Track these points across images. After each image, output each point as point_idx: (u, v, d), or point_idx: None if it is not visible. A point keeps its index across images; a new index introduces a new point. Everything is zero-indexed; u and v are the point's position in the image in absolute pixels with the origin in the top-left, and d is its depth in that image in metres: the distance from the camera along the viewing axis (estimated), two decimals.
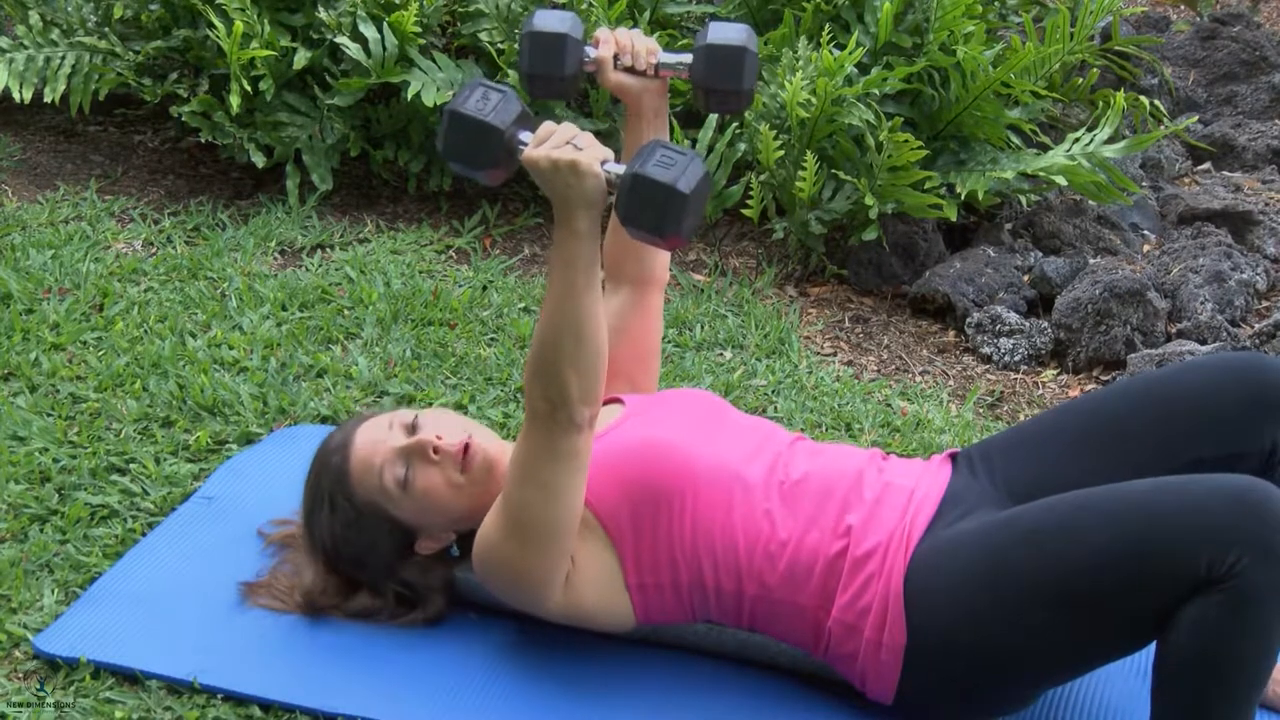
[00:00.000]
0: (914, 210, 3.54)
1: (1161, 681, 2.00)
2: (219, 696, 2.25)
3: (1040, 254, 3.70)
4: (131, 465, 2.78)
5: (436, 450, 2.25)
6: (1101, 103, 3.92)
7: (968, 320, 3.44)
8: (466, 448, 2.26)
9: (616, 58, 2.36)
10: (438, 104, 3.66)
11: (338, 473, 2.30)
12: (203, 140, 3.88)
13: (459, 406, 3.04)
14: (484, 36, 3.79)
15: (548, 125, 2.05)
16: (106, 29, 3.97)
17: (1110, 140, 3.62)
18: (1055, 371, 3.34)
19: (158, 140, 4.24)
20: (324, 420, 2.97)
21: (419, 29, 3.73)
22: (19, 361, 3.08)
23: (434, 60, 3.76)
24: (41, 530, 2.60)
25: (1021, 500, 2.20)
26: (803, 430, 3.01)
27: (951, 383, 3.29)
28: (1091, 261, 3.60)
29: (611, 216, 2.36)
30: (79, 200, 3.87)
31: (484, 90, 2.07)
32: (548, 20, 2.31)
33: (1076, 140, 3.60)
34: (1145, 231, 3.90)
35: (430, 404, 3.03)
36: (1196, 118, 4.37)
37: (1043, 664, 2.10)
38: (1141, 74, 4.44)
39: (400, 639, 2.35)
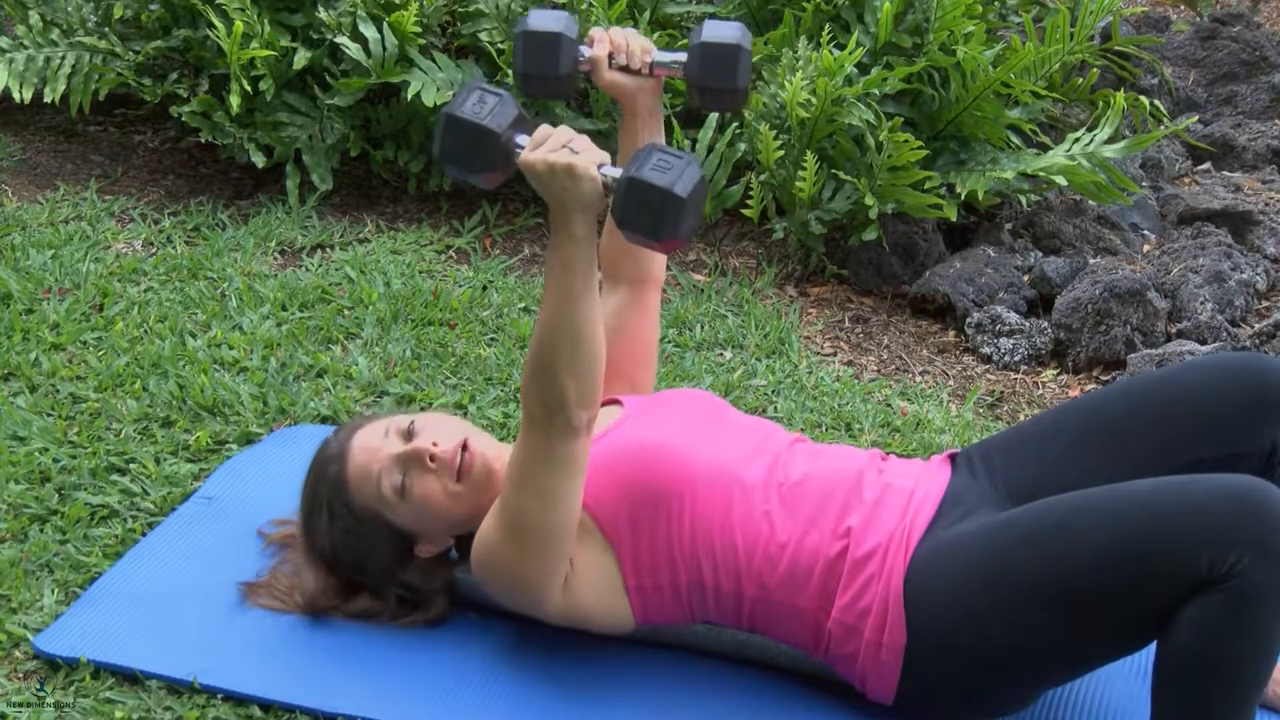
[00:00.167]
0: (914, 210, 3.54)
1: (1162, 682, 2.00)
2: (219, 696, 2.25)
3: (1040, 254, 3.70)
4: (131, 465, 2.78)
5: (433, 458, 2.25)
6: (1101, 103, 3.92)
7: (968, 320, 3.44)
8: (463, 454, 2.26)
9: (611, 57, 2.36)
10: (438, 104, 3.66)
11: (335, 480, 2.30)
12: (203, 140, 3.88)
13: (459, 407, 3.04)
14: (484, 36, 3.79)
15: (544, 129, 2.05)
16: (106, 29, 3.97)
17: (1110, 140, 3.62)
18: (1055, 371, 3.34)
19: (158, 140, 4.24)
20: (324, 420, 2.97)
21: (419, 29, 3.73)
22: (19, 361, 3.08)
23: (434, 60, 3.76)
24: (41, 530, 2.60)
25: (1021, 500, 2.20)
26: (803, 430, 3.01)
27: (951, 383, 3.29)
28: (1091, 261, 3.60)
29: (608, 216, 2.36)
30: (79, 200, 3.87)
31: (480, 93, 2.07)
32: (542, 20, 2.30)
33: (1076, 140, 3.59)
34: (1145, 231, 3.90)
35: (430, 404, 3.03)
36: (1196, 118, 4.37)
37: (1043, 664, 2.10)
38: (1141, 74, 4.44)
39: (400, 639, 2.35)
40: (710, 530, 2.19)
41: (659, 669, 2.31)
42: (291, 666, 2.30)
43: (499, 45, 3.76)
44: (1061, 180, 3.53)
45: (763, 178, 3.63)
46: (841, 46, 3.60)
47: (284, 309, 3.37)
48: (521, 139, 2.06)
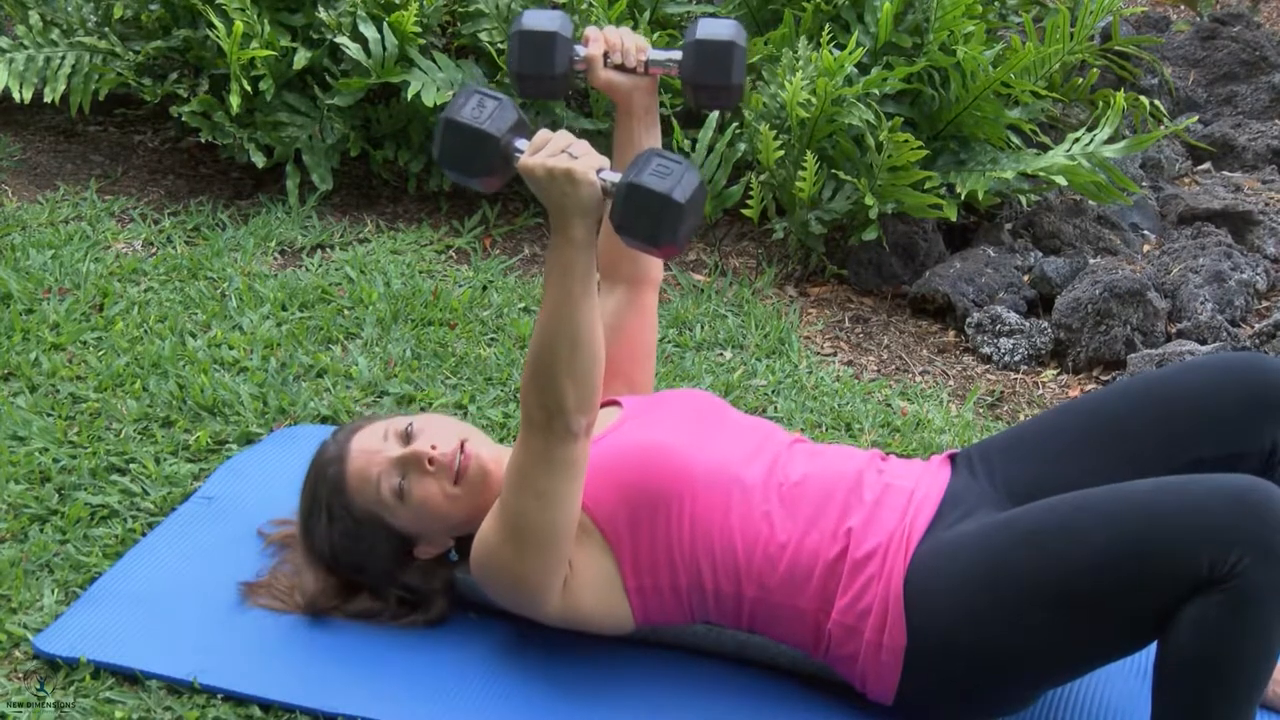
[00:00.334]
0: (914, 210, 3.54)
1: (1162, 682, 2.00)
2: (219, 696, 2.25)
3: (1040, 254, 3.70)
4: (131, 465, 2.78)
5: (432, 461, 2.25)
6: (1101, 103, 3.92)
7: (968, 320, 3.44)
8: (460, 457, 2.25)
9: (606, 56, 2.36)
10: (438, 104, 3.66)
11: (334, 483, 2.29)
12: (203, 140, 3.88)
13: (459, 407, 3.04)
14: (484, 36, 3.79)
15: (543, 133, 2.05)
16: (106, 29, 3.97)
17: (1110, 140, 3.62)
18: (1055, 371, 3.34)
19: (158, 140, 4.24)
20: (324, 420, 2.97)
21: (419, 29, 3.73)
22: (19, 361, 3.08)
23: (434, 60, 3.76)
24: (41, 530, 2.60)
25: (1021, 501, 2.20)
26: (802, 430, 3.01)
27: (951, 383, 3.29)
28: (1091, 261, 3.60)
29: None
30: (79, 200, 3.87)
31: (480, 97, 2.07)
32: (537, 19, 2.30)
33: (1076, 140, 3.59)
34: (1145, 231, 3.90)
35: (430, 404, 3.03)
36: (1196, 118, 4.37)
37: (1043, 664, 2.10)
38: (1141, 74, 4.44)
39: (400, 640, 2.35)
40: (710, 531, 2.19)
41: (659, 669, 2.31)
42: (291, 666, 2.30)
43: (499, 45, 3.76)
44: (1061, 180, 3.53)
45: (763, 178, 3.63)
46: (841, 46, 3.60)
47: (284, 309, 3.37)
48: (521, 143, 2.06)
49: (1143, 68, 4.45)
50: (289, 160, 3.84)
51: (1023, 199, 3.72)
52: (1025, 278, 3.62)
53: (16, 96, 3.90)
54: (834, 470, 2.25)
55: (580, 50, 2.34)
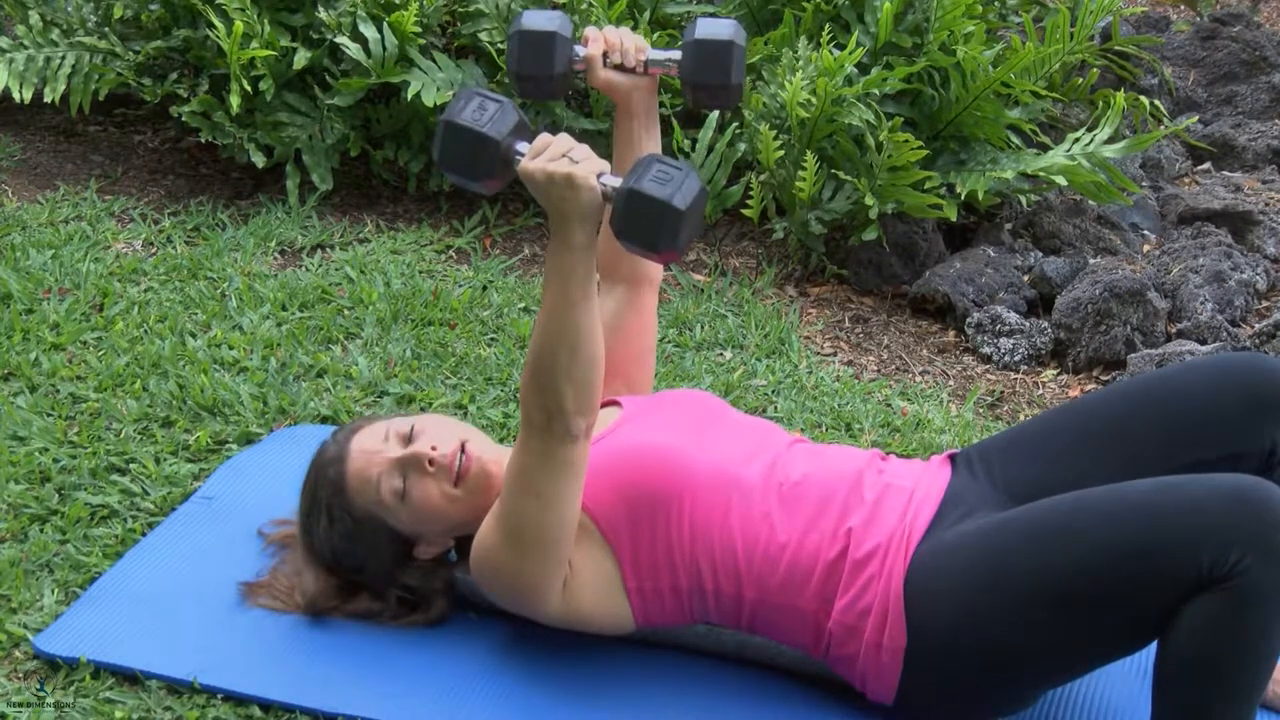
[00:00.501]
0: (914, 210, 3.54)
1: (1162, 682, 2.00)
2: (219, 696, 2.25)
3: (1040, 254, 3.70)
4: (131, 465, 2.78)
5: (432, 462, 2.25)
6: (1101, 103, 3.92)
7: (968, 320, 3.44)
8: (461, 458, 2.25)
9: (606, 56, 2.36)
10: (438, 104, 3.66)
11: (334, 484, 2.29)
12: (203, 140, 3.88)
13: (459, 407, 3.04)
14: (484, 36, 3.79)
15: (544, 137, 2.04)
16: (106, 29, 3.97)
17: (1110, 140, 3.62)
18: (1055, 371, 3.34)
19: (158, 140, 4.24)
20: (324, 420, 2.97)
21: (419, 29, 3.73)
22: (19, 361, 3.08)
23: (434, 60, 3.76)
24: (41, 530, 2.60)
25: (1021, 501, 2.20)
26: (802, 430, 3.01)
27: (951, 383, 3.29)
28: (1091, 261, 3.60)
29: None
30: (79, 200, 3.87)
31: (480, 100, 2.07)
32: (536, 19, 2.30)
33: (1076, 140, 3.59)
34: (1145, 231, 3.90)
35: (430, 404, 3.03)
36: (1196, 118, 4.37)
37: (1043, 664, 2.10)
38: (1141, 74, 4.44)
39: (400, 639, 2.35)
40: (710, 532, 2.19)
41: (659, 669, 2.31)
42: (291, 666, 2.30)
43: (499, 45, 3.76)
44: (1061, 180, 3.53)
45: (763, 178, 3.63)
46: (841, 46, 3.60)
47: (284, 309, 3.37)
48: (521, 146, 2.06)
49: (1143, 68, 4.45)
50: (289, 160, 3.84)
51: (1023, 199, 3.72)
52: (1025, 278, 3.62)
53: (16, 96, 3.90)
54: (834, 470, 2.24)
55: (580, 50, 2.34)
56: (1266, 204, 3.96)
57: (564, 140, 2.03)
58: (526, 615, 2.27)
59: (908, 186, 3.47)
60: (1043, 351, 3.38)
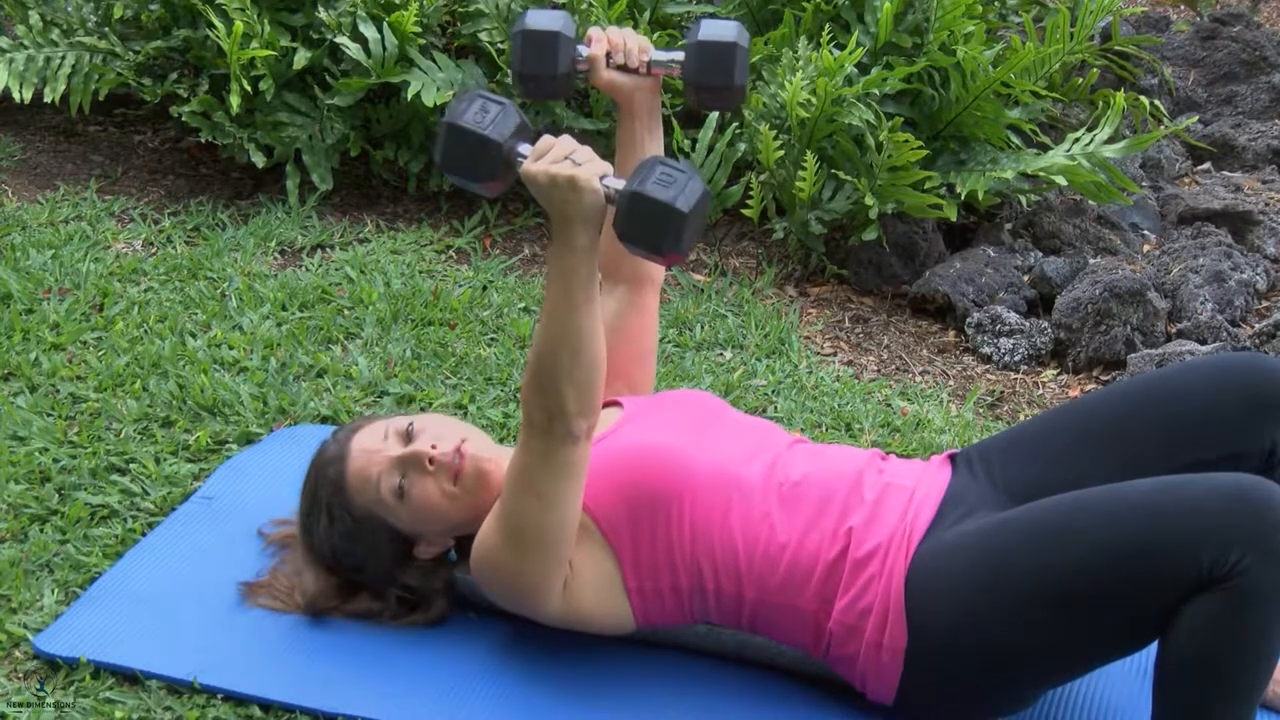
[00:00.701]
0: (914, 210, 3.54)
1: (1162, 681, 2.00)
2: (219, 696, 2.25)
3: (1040, 254, 3.70)
4: (131, 465, 2.78)
5: (432, 460, 2.25)
6: (1101, 103, 3.92)
7: (968, 320, 3.44)
8: (458, 457, 2.25)
9: (609, 56, 2.35)
10: (438, 104, 3.66)
11: (335, 483, 2.29)
12: (203, 140, 3.88)
13: (459, 407, 3.04)
14: (484, 36, 3.79)
15: (546, 139, 2.04)
16: (106, 29, 3.97)
17: (1110, 140, 3.62)
18: (1055, 371, 3.34)
19: (158, 140, 4.24)
20: (324, 420, 2.97)
21: (419, 29, 3.73)
22: (19, 361, 3.08)
23: (434, 60, 3.75)
24: (41, 530, 2.60)
25: (1021, 501, 2.20)
26: (802, 430, 3.01)
27: (951, 383, 3.29)
28: (1091, 261, 3.61)
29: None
30: (79, 200, 3.87)
31: (483, 102, 2.06)
32: (539, 19, 2.30)
33: (1076, 140, 3.59)
34: (1145, 231, 3.90)
35: (430, 404, 3.03)
36: (1196, 118, 4.37)
37: (1044, 664, 2.10)
38: (1141, 74, 4.44)
39: (400, 639, 2.35)
40: (710, 533, 2.19)
41: (659, 669, 2.31)
42: (291, 666, 2.30)
43: (499, 45, 3.76)
44: (1061, 180, 3.53)
45: (763, 178, 3.63)
46: (841, 46, 3.60)
47: (284, 309, 3.37)
48: (524, 148, 2.06)
49: (1143, 68, 4.45)
50: (289, 160, 3.84)
51: (1023, 199, 3.72)
52: (1025, 278, 3.62)
53: (16, 96, 3.90)
54: (834, 470, 2.24)
55: (583, 50, 2.34)
56: (1266, 204, 3.96)
57: (566, 142, 2.03)
58: (526, 615, 2.27)
59: (908, 186, 3.47)
60: (1043, 351, 3.38)
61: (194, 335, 3.24)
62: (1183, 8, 5.23)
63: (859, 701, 2.22)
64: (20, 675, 2.30)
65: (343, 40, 3.69)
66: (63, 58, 3.94)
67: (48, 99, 3.90)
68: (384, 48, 3.72)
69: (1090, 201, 3.81)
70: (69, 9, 4.00)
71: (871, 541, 2.16)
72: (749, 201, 3.64)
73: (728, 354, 3.32)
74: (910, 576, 2.12)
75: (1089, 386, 3.29)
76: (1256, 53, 4.68)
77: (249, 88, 3.71)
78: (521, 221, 3.86)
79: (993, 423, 3.12)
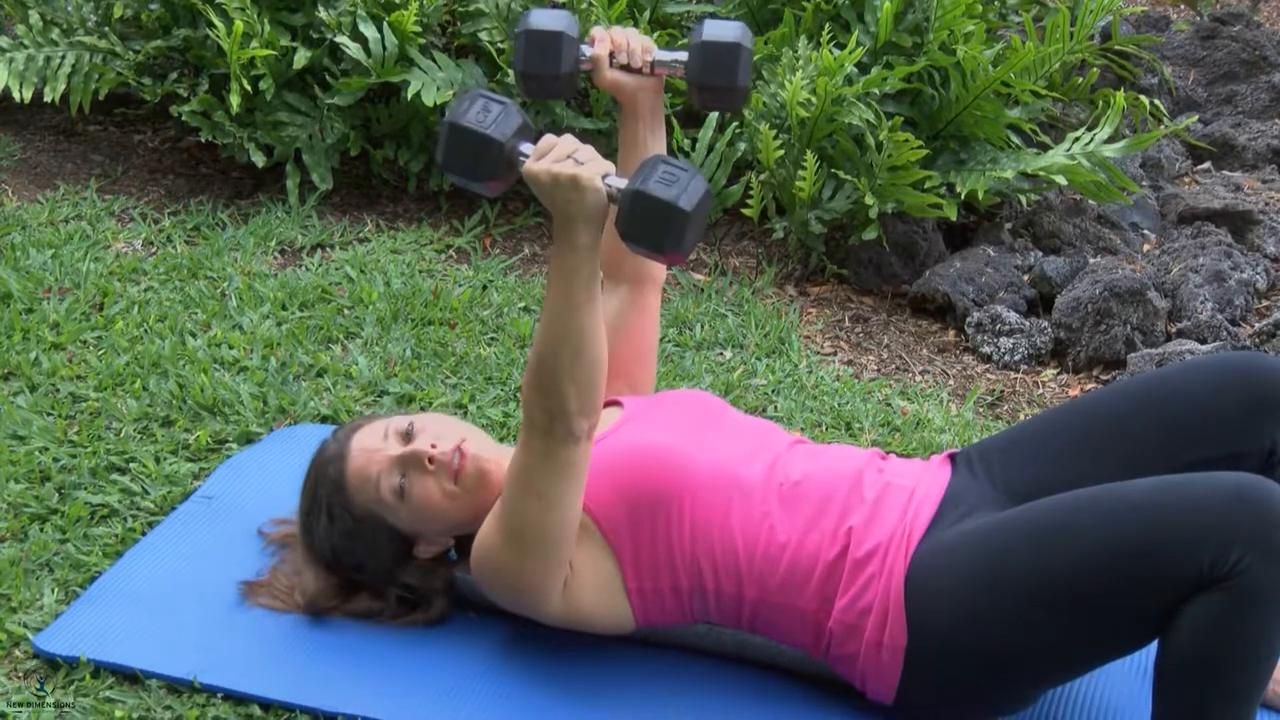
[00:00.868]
0: (914, 210, 3.54)
1: (1162, 681, 2.00)
2: (219, 696, 2.25)
3: (1040, 253, 3.70)
4: (131, 465, 2.78)
5: (432, 460, 2.25)
6: (1101, 102, 3.92)
7: (968, 320, 3.44)
8: (456, 457, 2.25)
9: (612, 56, 2.35)
10: (438, 104, 3.66)
11: (334, 483, 2.29)
12: (203, 140, 3.88)
13: (459, 406, 3.04)
14: (484, 36, 3.79)
15: (548, 138, 2.04)
16: (106, 28, 3.97)
17: (1110, 140, 3.62)
18: (1055, 371, 3.34)
19: (158, 140, 4.24)
20: (324, 420, 2.97)
21: (419, 29, 3.73)
22: (19, 361, 3.08)
23: (434, 60, 3.75)
24: (41, 530, 2.60)
25: (1021, 500, 2.20)
26: (802, 429, 3.01)
27: (951, 382, 3.29)
28: (1091, 261, 3.61)
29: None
30: (79, 200, 3.87)
31: (484, 102, 2.06)
32: (543, 19, 2.30)
33: (1076, 140, 3.59)
34: (1145, 231, 3.90)
35: (430, 404, 3.03)
36: (1196, 117, 4.37)
37: (1043, 663, 2.10)
38: (1141, 73, 4.44)
39: (400, 639, 2.35)
40: (710, 533, 2.19)
41: (659, 669, 2.31)
42: (291, 666, 2.30)
43: (499, 45, 3.76)
44: (1061, 180, 3.53)
45: (763, 177, 3.63)
46: (841, 46, 3.60)
47: (284, 308, 3.37)
48: (525, 147, 2.06)
49: (1143, 67, 4.45)
50: (289, 160, 3.84)
51: (1023, 198, 3.72)
52: (1025, 277, 3.62)
53: (16, 96, 3.90)
54: (834, 470, 2.24)
55: (586, 50, 2.34)
56: (1266, 203, 3.96)
57: (569, 141, 2.03)
58: (527, 615, 2.27)
59: (908, 186, 3.47)
60: (1043, 351, 3.38)
61: (194, 335, 3.24)
62: (1183, 7, 5.23)
63: (859, 701, 2.22)
64: (20, 674, 2.30)
65: (343, 40, 3.69)
66: (63, 57, 3.94)
67: (48, 98, 3.90)
68: (384, 47, 3.72)
69: (1090, 201, 3.81)
70: (69, 9, 4.00)
71: (871, 541, 2.16)
72: (749, 201, 3.64)
73: (728, 353, 3.32)
74: (910, 576, 2.12)
75: (1089, 386, 3.29)
76: (1256, 52, 4.68)
77: (249, 87, 3.71)
78: (521, 221, 3.86)
79: (992, 422, 3.12)
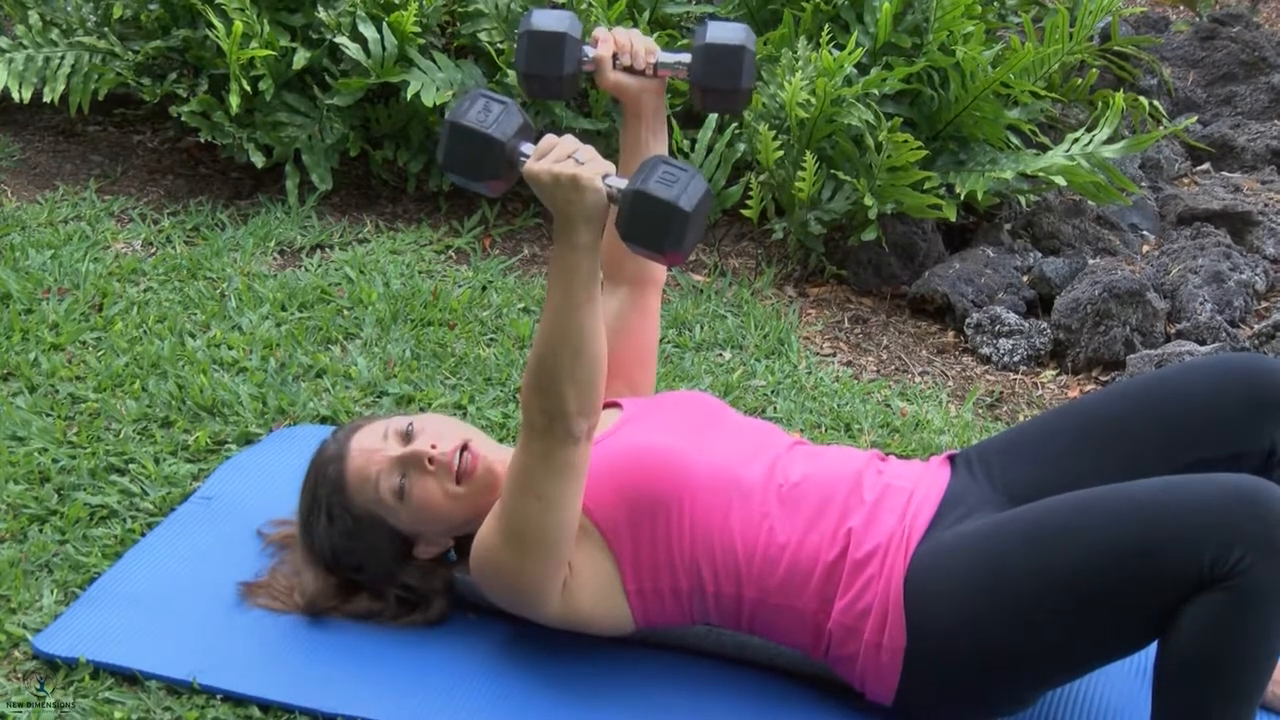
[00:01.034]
0: (913, 210, 3.54)
1: (1162, 681, 2.00)
2: (218, 696, 2.25)
3: (1039, 254, 3.70)
4: (131, 465, 2.78)
5: (432, 460, 2.25)
6: (1101, 103, 3.92)
7: (967, 321, 3.44)
8: (464, 457, 2.25)
9: (615, 57, 2.36)
10: (437, 104, 3.66)
11: (334, 483, 2.29)
12: (202, 140, 3.88)
13: (458, 407, 3.04)
14: (483, 36, 3.79)
15: (549, 138, 2.04)
16: (106, 29, 3.97)
17: (1109, 140, 3.62)
18: (1054, 372, 3.34)
19: (157, 140, 4.24)
20: (323, 420, 2.97)
21: (418, 29, 3.73)
22: (19, 361, 3.08)
23: (434, 60, 3.75)
24: (41, 530, 2.60)
25: (1020, 502, 2.20)
26: (802, 430, 3.01)
27: (951, 383, 3.29)
28: (1091, 262, 3.61)
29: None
30: (78, 200, 3.87)
31: (485, 101, 2.06)
32: (546, 20, 2.30)
33: (1076, 140, 3.60)
34: (1144, 232, 3.90)
35: (429, 404, 3.03)
36: (1196, 118, 4.37)
37: (1043, 664, 2.10)
38: (1141, 74, 4.44)
39: (400, 639, 2.35)
40: (710, 534, 2.19)
41: (659, 669, 2.31)
42: (291, 666, 2.30)
43: (499, 45, 3.76)
44: (1061, 180, 3.53)
45: (762, 178, 3.63)
46: (841, 46, 3.60)
47: (283, 309, 3.37)
48: (526, 147, 2.06)
49: (1142, 68, 4.45)
50: (288, 160, 3.84)
51: (1022, 199, 3.73)
52: (1024, 278, 3.62)
53: (16, 96, 3.90)
54: (833, 471, 2.24)
55: (589, 51, 2.34)
56: (1266, 204, 3.96)
57: (569, 142, 2.03)
58: (526, 616, 2.27)
59: (907, 187, 3.47)
60: (1042, 352, 3.38)
61: (193, 335, 3.24)
62: (1182, 8, 5.23)
63: (859, 702, 2.22)
64: (20, 675, 2.30)
65: (342, 40, 3.69)
66: (62, 58, 3.94)
67: (47, 99, 3.90)
68: (383, 48, 3.72)
69: (1089, 202, 3.81)
70: (68, 9, 4.00)
71: (871, 542, 2.16)
72: (748, 202, 3.64)
73: (727, 354, 3.32)
74: (909, 577, 2.13)
75: (1088, 387, 3.29)
76: (1256, 53, 4.68)
77: (248, 88, 3.71)
78: (521, 222, 3.86)
79: (992, 423, 3.13)
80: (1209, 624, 1.95)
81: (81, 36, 3.94)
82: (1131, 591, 2.00)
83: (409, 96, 3.68)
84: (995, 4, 3.92)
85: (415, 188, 3.94)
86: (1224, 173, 4.26)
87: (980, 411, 3.18)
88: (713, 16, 3.87)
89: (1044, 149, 3.84)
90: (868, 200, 3.46)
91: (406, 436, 2.28)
